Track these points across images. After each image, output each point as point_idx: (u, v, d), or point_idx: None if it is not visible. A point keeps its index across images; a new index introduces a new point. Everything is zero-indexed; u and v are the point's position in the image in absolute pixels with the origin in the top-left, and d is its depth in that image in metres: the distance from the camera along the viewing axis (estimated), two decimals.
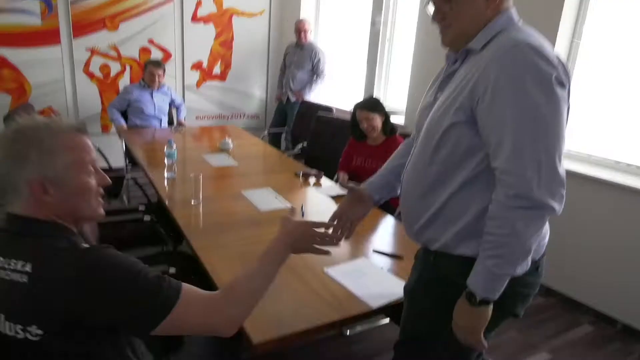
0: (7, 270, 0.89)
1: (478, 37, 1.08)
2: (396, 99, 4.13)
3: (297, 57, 4.62)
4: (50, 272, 0.88)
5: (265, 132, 4.70)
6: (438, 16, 1.12)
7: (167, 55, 4.74)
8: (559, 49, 2.76)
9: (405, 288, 1.33)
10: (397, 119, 3.50)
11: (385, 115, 2.73)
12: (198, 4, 4.74)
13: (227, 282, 1.04)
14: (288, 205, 2.27)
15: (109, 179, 1.04)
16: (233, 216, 2.12)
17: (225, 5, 4.90)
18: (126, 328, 0.95)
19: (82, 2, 4.26)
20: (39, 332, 0.87)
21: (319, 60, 4.54)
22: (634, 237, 2.52)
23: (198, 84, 5.00)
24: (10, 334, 0.88)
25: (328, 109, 4.11)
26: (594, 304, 2.73)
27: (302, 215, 2.17)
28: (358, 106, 2.75)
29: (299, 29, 4.54)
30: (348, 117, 3.88)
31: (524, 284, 1.12)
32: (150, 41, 4.61)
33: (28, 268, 0.88)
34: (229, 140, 3.22)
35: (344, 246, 1.86)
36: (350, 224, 1.37)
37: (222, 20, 4.93)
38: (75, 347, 0.90)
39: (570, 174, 2.72)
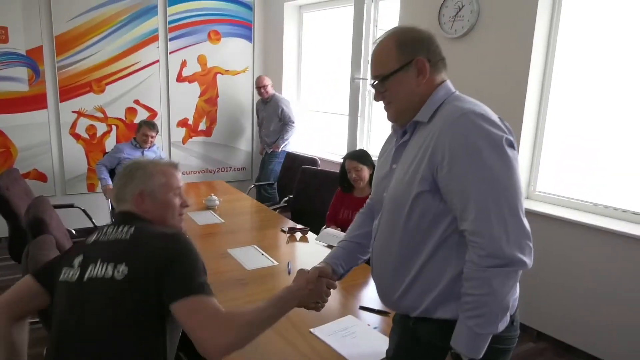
0: (115, 233, 1.26)
1: (422, 110, 1.16)
2: (379, 149, 4.23)
3: (265, 112, 4.84)
4: (145, 236, 1.23)
5: (252, 185, 4.74)
6: (379, 97, 1.22)
7: (153, 114, 4.84)
8: (533, 89, 2.89)
9: (387, 353, 1.34)
10: None
11: (373, 168, 2.80)
12: (183, 65, 4.91)
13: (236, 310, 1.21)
14: (275, 262, 2.28)
15: (188, 203, 1.43)
16: (219, 276, 2.11)
17: (209, 65, 5.07)
18: (165, 289, 1.15)
19: (69, 68, 4.38)
20: (125, 270, 1.16)
21: (282, 110, 4.70)
22: (618, 280, 2.56)
23: (184, 141, 5.09)
24: (99, 275, 1.18)
25: (313, 161, 4.18)
26: (585, 347, 2.72)
27: (289, 272, 2.17)
28: (347, 157, 2.84)
29: (258, 86, 4.75)
30: (333, 168, 4.00)
31: (502, 340, 1.13)
32: (136, 102, 4.72)
33: (132, 230, 1.25)
34: (215, 197, 3.24)
35: (329, 304, 1.87)
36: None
37: (207, 79, 5.08)
38: (141, 296, 1.15)
39: (551, 218, 2.80)
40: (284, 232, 2.74)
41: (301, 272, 1.38)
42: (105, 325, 1.15)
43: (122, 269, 1.16)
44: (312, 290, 1.32)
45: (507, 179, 1.04)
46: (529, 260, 1.04)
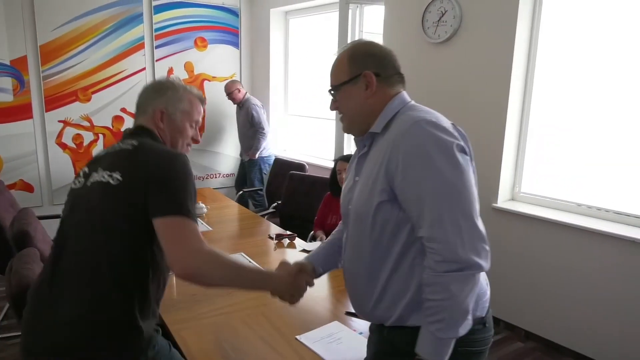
0: (121, 145, 1.32)
1: (377, 122, 1.20)
2: None
3: (240, 117, 4.84)
4: (146, 149, 1.28)
5: (240, 191, 4.75)
6: (333, 106, 1.27)
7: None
8: (516, 91, 2.93)
9: None
10: None
11: None
12: (169, 72, 4.90)
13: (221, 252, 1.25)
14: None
15: (200, 139, 1.49)
16: None
17: (196, 72, 5.07)
18: (151, 202, 1.20)
19: (54, 77, 4.36)
20: (119, 177, 1.23)
21: (252, 116, 4.66)
22: (604, 279, 2.60)
23: None
24: (98, 179, 1.26)
25: (301, 166, 4.20)
26: (572, 345, 2.76)
27: None
28: (340, 158, 2.86)
29: (227, 92, 4.73)
30: (321, 173, 4.02)
31: (474, 342, 1.15)
32: (123, 110, 4.70)
33: (135, 142, 1.31)
34: (202, 205, 3.25)
35: (315, 309, 1.88)
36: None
37: (194, 86, 5.07)
38: (130, 204, 1.20)
39: (536, 218, 2.83)
40: (272, 238, 2.75)
41: (284, 264, 1.44)
42: (98, 227, 1.22)
43: (117, 175, 1.23)
44: (290, 284, 1.36)
45: (460, 183, 1.06)
46: (485, 263, 1.06)
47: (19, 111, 4.26)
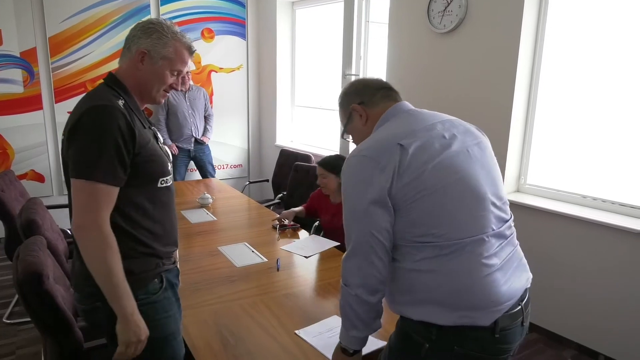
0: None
1: None
2: None
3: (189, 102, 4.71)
4: (80, 102, 1.25)
5: (247, 182, 4.77)
6: (353, 142, 1.43)
7: (149, 112, 4.83)
8: (522, 82, 2.92)
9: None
10: None
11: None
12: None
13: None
14: (264, 259, 2.31)
15: (180, 87, 1.46)
16: (208, 273, 2.15)
17: (203, 63, 5.08)
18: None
19: (63, 68, 4.41)
20: (63, 137, 1.25)
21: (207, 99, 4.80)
22: (608, 271, 2.58)
23: None
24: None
25: (306, 157, 4.20)
26: (576, 337, 2.76)
27: (278, 269, 2.20)
28: (318, 162, 2.77)
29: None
30: None
31: (483, 349, 1.17)
32: None
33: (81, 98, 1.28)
34: (208, 195, 3.28)
35: (316, 302, 1.90)
36: None
37: (201, 77, 5.10)
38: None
39: (541, 210, 2.82)
40: (275, 228, 2.77)
41: None
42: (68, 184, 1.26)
43: (63, 137, 1.26)
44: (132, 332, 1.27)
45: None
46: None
47: (29, 102, 4.32)
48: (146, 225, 1.32)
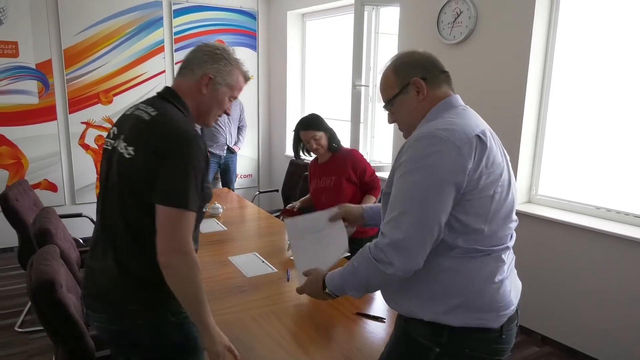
0: (142, 111, 1.32)
1: (418, 127, 1.24)
2: (382, 154, 4.26)
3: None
4: (163, 120, 1.27)
5: (257, 192, 4.78)
6: (391, 119, 1.33)
7: None
8: (533, 93, 2.90)
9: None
10: (384, 174, 3.59)
11: (330, 132, 2.71)
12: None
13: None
14: (274, 269, 2.30)
15: (230, 112, 1.48)
16: (219, 284, 2.15)
17: None
18: (154, 186, 1.22)
19: (77, 80, 4.49)
20: (132, 152, 1.25)
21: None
22: (622, 282, 2.54)
23: None
24: (118, 148, 1.30)
25: None
26: (590, 351, 2.71)
27: (288, 279, 2.20)
28: (299, 127, 2.66)
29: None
30: None
31: (489, 351, 1.19)
32: None
33: (153, 113, 1.29)
34: (218, 205, 3.28)
35: (325, 310, 1.89)
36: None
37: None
38: (141, 179, 1.23)
39: (553, 221, 2.79)
40: (281, 218, 2.76)
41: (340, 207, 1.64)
42: (117, 197, 1.28)
43: (131, 150, 1.26)
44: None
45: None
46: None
47: (43, 113, 4.40)
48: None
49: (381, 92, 1.31)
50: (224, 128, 4.71)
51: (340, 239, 1.58)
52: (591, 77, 2.77)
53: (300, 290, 1.39)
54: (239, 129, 4.90)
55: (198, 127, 1.74)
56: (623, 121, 2.65)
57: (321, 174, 2.78)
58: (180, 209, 1.20)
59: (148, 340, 1.30)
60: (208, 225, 3.06)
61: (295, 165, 4.47)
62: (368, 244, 1.18)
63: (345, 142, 4.39)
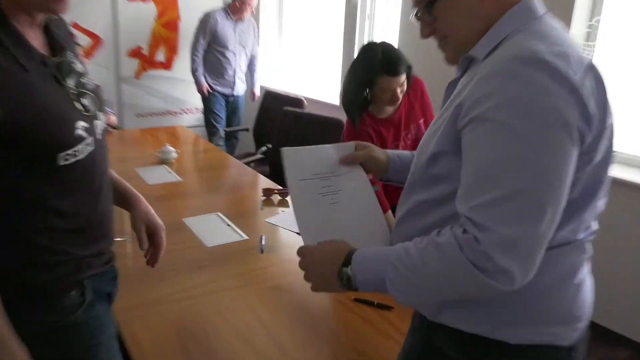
0: None
1: (481, 41, 0.97)
2: None
3: (238, 35, 4.34)
4: None
5: (221, 131, 4.52)
6: (427, 31, 1.04)
7: (97, 40, 4.56)
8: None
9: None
10: None
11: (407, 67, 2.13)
12: None
13: None
14: (244, 236, 2.09)
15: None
16: (168, 256, 1.85)
17: None
18: None
19: None
20: None
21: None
22: None
23: (137, 75, 4.88)
24: None
25: (298, 102, 3.97)
26: (632, 334, 2.65)
27: (262, 251, 1.98)
28: (389, 73, 2.01)
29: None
30: (322, 111, 3.76)
31: None
32: (75, 25, 4.37)
33: None
34: (171, 148, 3.00)
35: (311, 301, 1.71)
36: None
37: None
38: None
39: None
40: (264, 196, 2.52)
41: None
42: None
43: None
44: None
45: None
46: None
47: None
48: (52, 223, 1.03)
49: None
50: (235, 57, 4.30)
51: (368, 201, 1.23)
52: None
53: (304, 265, 1.07)
54: (250, 62, 4.50)
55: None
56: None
57: (396, 131, 2.21)
58: None
59: None
60: (156, 175, 2.82)
61: (271, 99, 4.25)
62: (448, 231, 0.89)
63: (335, 71, 4.20)
